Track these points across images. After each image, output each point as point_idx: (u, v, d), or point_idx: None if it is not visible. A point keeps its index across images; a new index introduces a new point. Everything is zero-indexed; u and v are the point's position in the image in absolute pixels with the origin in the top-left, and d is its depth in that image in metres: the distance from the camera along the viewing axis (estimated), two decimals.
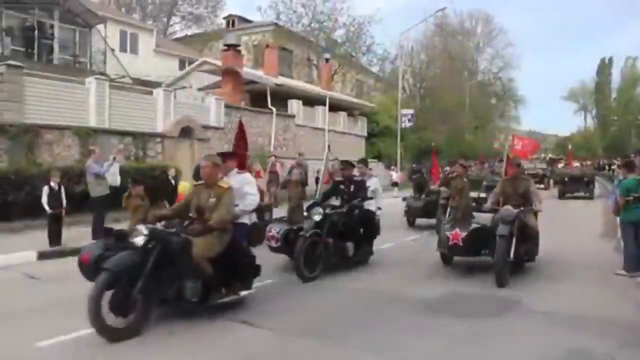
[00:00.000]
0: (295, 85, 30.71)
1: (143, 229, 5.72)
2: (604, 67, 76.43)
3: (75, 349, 5.26)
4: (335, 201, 9.88)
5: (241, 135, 9.51)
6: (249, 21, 44.32)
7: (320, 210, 8.57)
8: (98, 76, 18.85)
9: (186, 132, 20.01)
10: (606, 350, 5.28)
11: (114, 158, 12.46)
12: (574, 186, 27.39)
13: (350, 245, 9.04)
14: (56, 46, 24.09)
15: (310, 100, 29.41)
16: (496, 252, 7.85)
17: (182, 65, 34.57)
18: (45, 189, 11.09)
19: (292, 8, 44.15)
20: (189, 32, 48.04)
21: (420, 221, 15.52)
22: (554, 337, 5.77)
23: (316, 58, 41.55)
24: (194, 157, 19.57)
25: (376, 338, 5.65)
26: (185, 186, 17.44)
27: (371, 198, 9.71)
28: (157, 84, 24.90)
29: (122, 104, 18.27)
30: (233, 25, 43.38)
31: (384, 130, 37.26)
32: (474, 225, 8.77)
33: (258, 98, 26.37)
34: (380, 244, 11.43)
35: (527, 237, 8.50)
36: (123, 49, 30.97)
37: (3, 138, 14.62)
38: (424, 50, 55.76)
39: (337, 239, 8.80)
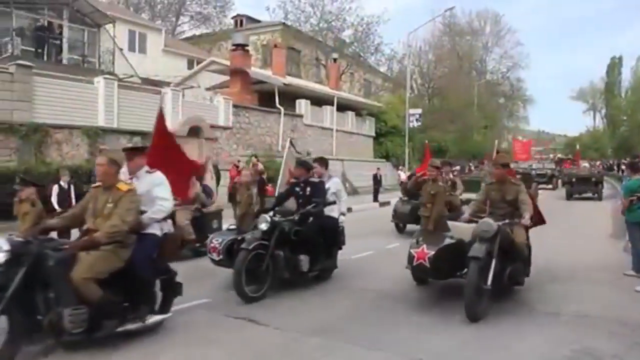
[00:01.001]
0: (303, 85, 30.74)
1: (4, 243, 4.73)
2: (614, 67, 75.93)
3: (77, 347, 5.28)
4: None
5: (162, 126, 7.78)
6: (257, 21, 44.42)
7: (267, 217, 7.38)
8: (107, 76, 18.99)
9: (195, 131, 20.06)
10: (614, 351, 5.25)
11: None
12: (582, 187, 26.78)
13: (304, 258, 7.69)
14: (65, 46, 24.34)
15: (318, 100, 29.44)
16: (467, 278, 6.34)
17: (190, 64, 34.68)
18: (55, 188, 11.17)
19: (300, 8, 44.25)
20: (198, 32, 48.20)
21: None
22: (562, 337, 5.74)
23: (324, 58, 41.58)
24: (203, 156, 19.60)
25: (384, 337, 5.64)
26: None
27: (334, 202, 8.38)
28: (165, 84, 24.99)
29: (130, 104, 18.38)
30: (241, 25, 43.47)
31: (392, 130, 37.25)
32: (446, 241, 7.12)
33: (266, 98, 26.41)
34: (385, 245, 11.43)
35: (513, 257, 6.98)
36: (131, 48, 31.11)
37: (13, 137, 14.75)
38: (432, 49, 55.76)
39: (289, 251, 7.53)
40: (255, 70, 27.95)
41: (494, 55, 66.22)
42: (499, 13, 63.29)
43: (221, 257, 7.84)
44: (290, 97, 27.31)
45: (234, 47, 26.47)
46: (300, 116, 27.49)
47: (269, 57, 34.82)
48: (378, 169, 25.15)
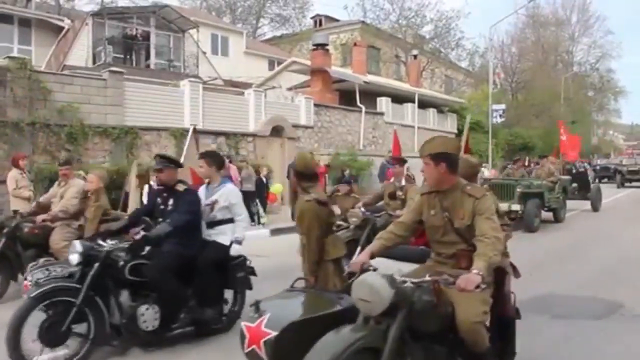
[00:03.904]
0: (383, 82, 30.56)
1: None
2: None
3: None
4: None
5: None
6: (336, 20, 44.50)
7: (78, 245, 4.99)
8: (191, 79, 19.49)
9: (277, 131, 20.35)
10: None
11: None
12: None
13: (149, 311, 5.16)
14: (152, 52, 25.23)
15: (399, 98, 29.20)
16: None
17: (271, 65, 35.19)
18: (145, 188, 11.67)
19: (379, 5, 44.02)
20: (278, 33, 48.87)
21: None
22: None
23: (404, 55, 41.21)
24: (285, 155, 19.91)
25: None
26: (278, 187, 17.86)
27: (230, 220, 5.89)
28: (247, 85, 25.50)
29: (214, 105, 18.81)
30: (320, 24, 43.73)
31: (475, 126, 36.47)
32: (326, 310, 3.57)
33: (347, 96, 26.44)
34: None
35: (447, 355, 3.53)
36: (214, 51, 31.90)
37: (107, 140, 15.48)
38: (515, 43, 54.19)
39: (129, 297, 5.16)
40: (336, 69, 28.02)
41: (582, 45, 63.24)
42: (587, 0, 60.07)
43: None
44: (371, 95, 27.22)
45: (314, 47, 26.61)
46: (382, 114, 27.33)
47: (349, 55, 34.86)
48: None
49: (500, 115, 34.37)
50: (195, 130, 9.16)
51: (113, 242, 5.24)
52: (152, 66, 24.99)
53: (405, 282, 3.26)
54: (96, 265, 4.94)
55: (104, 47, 23.42)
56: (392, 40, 41.28)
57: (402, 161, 7.92)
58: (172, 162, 5.80)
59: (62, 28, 24.07)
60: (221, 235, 5.80)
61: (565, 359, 5.05)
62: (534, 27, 56.87)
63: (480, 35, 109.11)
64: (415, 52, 36.99)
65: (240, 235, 5.88)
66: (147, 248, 5.42)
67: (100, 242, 5.19)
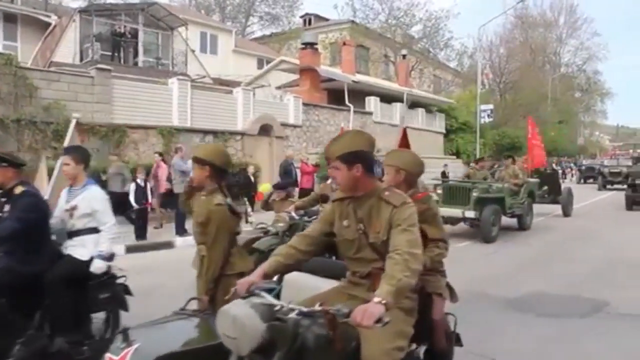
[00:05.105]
0: (372, 82, 30.61)
1: None
2: None
3: None
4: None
5: None
6: (326, 19, 44.54)
7: None
8: (180, 77, 19.41)
9: (265, 129, 20.31)
10: None
11: None
12: None
13: None
14: (140, 49, 25.12)
15: (388, 97, 29.25)
16: None
17: (260, 64, 35.14)
18: (132, 186, 11.64)
19: (368, 5, 44.15)
20: (267, 32, 48.87)
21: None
22: None
23: (393, 54, 41.27)
24: (273, 154, 19.89)
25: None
26: (266, 186, 17.74)
27: (94, 230, 4.80)
28: (236, 83, 25.43)
29: (203, 103, 18.74)
30: (310, 23, 43.71)
31: (463, 126, 36.61)
32: (212, 341, 2.78)
33: (336, 96, 26.45)
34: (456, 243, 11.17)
35: None
36: (203, 49, 31.80)
37: (94, 138, 15.32)
38: (504, 43, 54.48)
39: None
40: (325, 69, 28.00)
41: (569, 47, 63.84)
42: (574, 2, 60.52)
43: None
44: (359, 94, 27.23)
45: (303, 46, 26.60)
46: (370, 113, 27.38)
47: (338, 55, 34.91)
48: (445, 165, 25.05)
49: (488, 115, 34.52)
50: (78, 124, 7.66)
51: None
52: (140, 64, 24.88)
53: (292, 311, 2.59)
54: None
55: (91, 44, 23.29)
56: (381, 40, 41.36)
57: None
58: (3, 161, 4.58)
59: (48, 24, 23.90)
60: (80, 248, 4.74)
61: (552, 357, 5.07)
62: (523, 28, 57.26)
63: (469, 35, 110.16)
64: (404, 51, 37.05)
65: (104, 249, 4.78)
66: None
67: None
